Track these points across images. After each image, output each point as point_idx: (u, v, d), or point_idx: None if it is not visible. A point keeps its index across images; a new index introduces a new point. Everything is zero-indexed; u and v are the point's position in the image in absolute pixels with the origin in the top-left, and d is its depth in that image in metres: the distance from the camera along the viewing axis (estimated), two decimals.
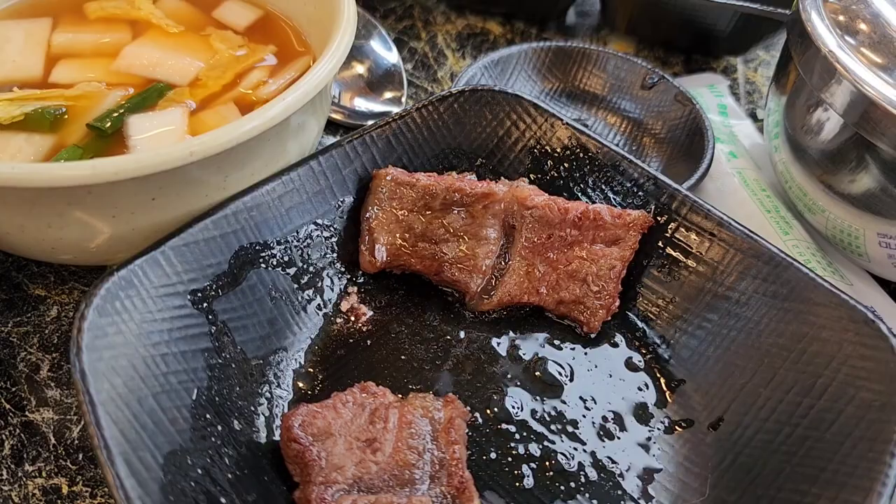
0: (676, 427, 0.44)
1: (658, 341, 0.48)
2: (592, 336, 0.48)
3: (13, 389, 0.46)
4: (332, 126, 0.64)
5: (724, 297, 0.46)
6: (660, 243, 0.49)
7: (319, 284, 0.48)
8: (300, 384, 0.45)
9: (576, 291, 0.47)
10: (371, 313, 0.49)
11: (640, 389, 0.46)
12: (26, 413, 0.45)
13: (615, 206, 0.49)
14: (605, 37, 0.83)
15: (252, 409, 0.42)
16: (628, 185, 0.50)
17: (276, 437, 0.42)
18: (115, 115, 0.50)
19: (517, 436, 0.43)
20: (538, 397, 0.45)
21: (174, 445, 0.37)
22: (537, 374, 0.46)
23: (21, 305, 0.51)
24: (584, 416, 0.44)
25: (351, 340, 0.47)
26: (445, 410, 0.42)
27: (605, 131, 0.68)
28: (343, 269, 0.49)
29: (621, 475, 0.42)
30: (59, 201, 0.41)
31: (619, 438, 0.44)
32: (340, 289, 0.49)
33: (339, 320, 0.48)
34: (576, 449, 0.43)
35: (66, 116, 0.50)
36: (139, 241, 0.44)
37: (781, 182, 0.61)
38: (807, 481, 0.38)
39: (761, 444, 0.41)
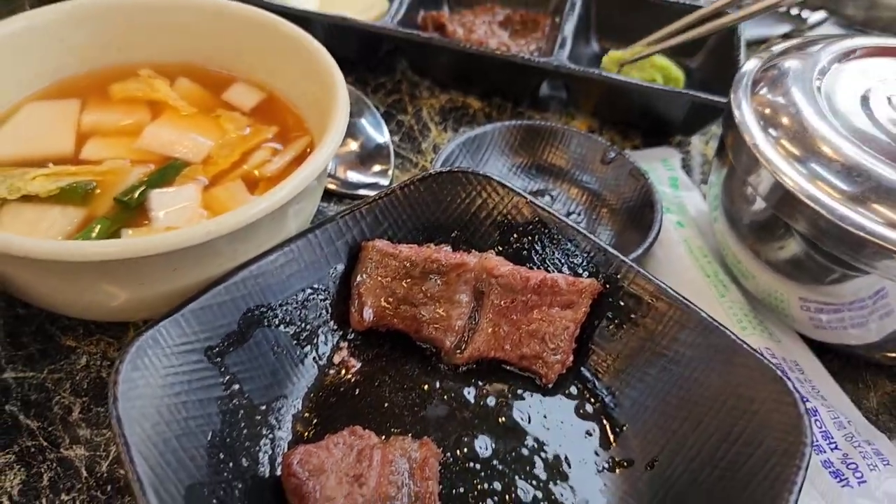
0: (618, 466, 0.51)
1: (605, 392, 0.55)
2: (549, 386, 0.55)
3: (49, 429, 0.53)
4: (327, 194, 0.70)
5: (661, 354, 0.53)
6: (608, 308, 0.56)
7: (315, 340, 0.55)
8: (298, 427, 0.51)
9: (535, 348, 0.55)
10: (359, 365, 0.55)
11: (588, 433, 0.53)
12: (61, 450, 0.52)
13: (570, 275, 0.56)
14: (572, 112, 0.90)
15: (257, 448, 0.48)
16: (582, 256, 0.57)
17: (278, 473, 0.48)
18: (139, 190, 0.56)
19: (482, 473, 0.50)
20: (501, 440, 0.52)
21: (193, 479, 0.43)
22: (501, 419, 0.53)
23: (54, 355, 0.57)
24: (539, 457, 0.51)
25: (342, 389, 0.54)
26: (421, 451, 0.48)
27: (567, 202, 0.75)
28: (335, 327, 0.56)
29: None
30: (93, 272, 0.47)
31: (570, 475, 0.50)
32: (333, 344, 0.56)
33: (331, 371, 0.55)
34: (532, 485, 0.50)
35: (96, 190, 0.56)
36: (161, 303, 0.50)
37: (720, 249, 0.68)
38: None
39: (688, 481, 0.48)
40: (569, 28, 0.87)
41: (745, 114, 0.61)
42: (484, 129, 0.75)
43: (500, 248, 0.60)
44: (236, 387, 0.49)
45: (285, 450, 0.50)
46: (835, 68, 0.63)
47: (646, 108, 0.83)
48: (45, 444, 0.52)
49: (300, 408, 0.52)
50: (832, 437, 0.55)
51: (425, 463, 0.48)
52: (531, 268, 0.57)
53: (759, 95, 0.63)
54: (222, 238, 0.48)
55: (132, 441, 0.41)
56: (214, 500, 0.44)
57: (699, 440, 0.49)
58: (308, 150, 0.62)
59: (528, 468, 0.51)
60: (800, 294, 0.60)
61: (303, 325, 0.54)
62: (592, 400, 0.55)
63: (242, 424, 0.49)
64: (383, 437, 0.50)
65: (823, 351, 0.64)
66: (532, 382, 0.56)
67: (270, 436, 0.50)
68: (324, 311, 0.55)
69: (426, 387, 0.55)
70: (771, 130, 0.59)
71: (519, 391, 0.55)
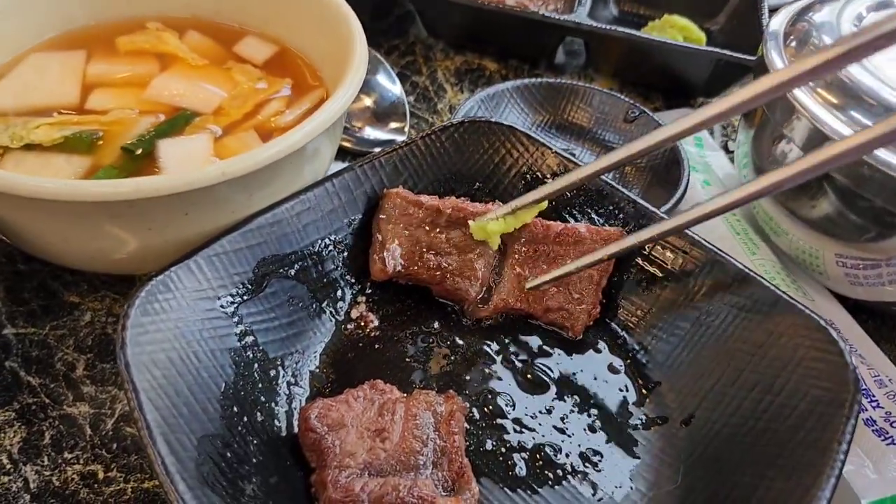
0: (653, 424, 0.49)
1: (637, 347, 0.53)
2: (578, 340, 0.53)
3: (52, 386, 0.50)
4: (342, 152, 0.68)
5: (695, 307, 0.51)
6: (638, 260, 0.54)
7: (332, 294, 0.52)
8: (315, 383, 0.49)
9: (560, 299, 0.52)
10: (378, 321, 0.53)
11: (620, 390, 0.51)
12: (64, 407, 0.49)
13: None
14: (591, 74, 0.88)
15: (273, 403, 0.46)
16: (610, 208, 0.55)
17: (295, 430, 0.45)
18: (147, 139, 0.54)
19: (510, 430, 0.48)
20: (529, 396, 0.50)
21: (206, 431, 0.41)
22: (528, 375, 0.51)
23: (57, 311, 0.55)
24: (570, 413, 0.49)
25: (360, 344, 0.52)
26: (447, 405, 0.46)
27: (590, 160, 0.73)
28: (353, 281, 0.54)
29: (603, 464, 0.47)
30: (102, 215, 0.45)
31: (601, 432, 0.48)
32: (351, 298, 0.53)
33: (349, 326, 0.52)
34: (563, 442, 0.47)
35: (102, 140, 0.54)
36: (171, 252, 0.47)
37: (750, 207, 0.66)
38: (766, 467, 0.42)
39: (727, 436, 0.46)
40: None
41: (779, 65, 0.59)
42: (504, 86, 0.73)
43: None
44: (250, 338, 0.47)
45: (302, 405, 0.47)
46: (871, 16, 0.61)
47: (668, 69, 0.81)
48: (46, 401, 0.50)
49: (317, 363, 0.50)
50: (873, 396, 0.53)
51: (451, 416, 0.45)
52: (557, 220, 0.55)
53: (791, 47, 0.61)
54: (236, 181, 0.46)
55: (141, 387, 0.39)
56: (228, 454, 0.41)
57: (739, 394, 0.47)
58: (323, 101, 0.60)
59: (557, 426, 0.48)
60: (836, 250, 0.58)
61: (319, 277, 0.52)
62: (623, 356, 0.52)
63: (257, 377, 0.46)
64: (405, 392, 0.47)
65: (857, 311, 0.61)
66: (559, 338, 0.53)
67: (286, 391, 0.48)
68: (341, 264, 0.53)
69: (449, 343, 0.52)
70: None
71: (546, 347, 0.53)
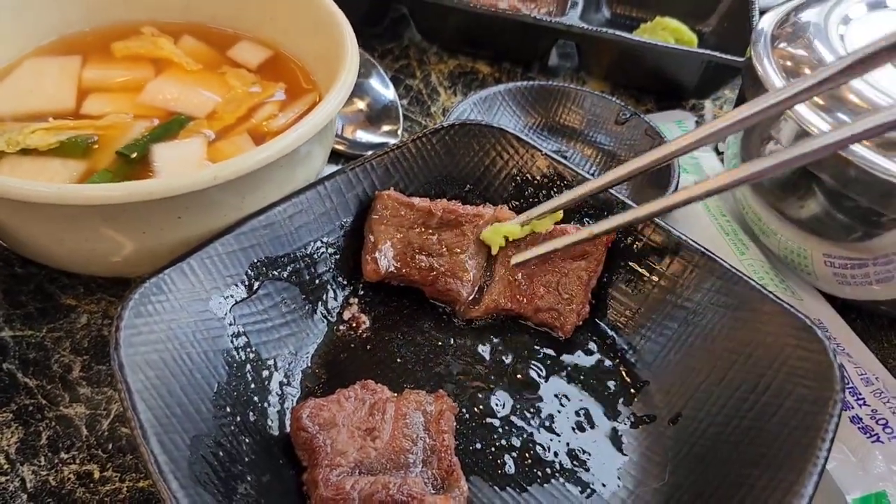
0: (640, 423, 0.49)
1: (625, 347, 0.53)
2: (567, 340, 0.53)
3: (48, 387, 0.51)
4: (335, 156, 0.68)
5: (683, 307, 0.51)
6: (627, 261, 0.54)
7: (324, 296, 0.53)
8: (307, 383, 0.49)
9: (550, 299, 0.53)
10: (370, 322, 0.54)
11: (608, 389, 0.51)
12: (60, 408, 0.50)
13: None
14: (583, 77, 0.89)
15: (265, 403, 0.47)
16: (599, 208, 0.56)
17: (287, 430, 0.46)
18: (141, 143, 0.54)
19: (500, 429, 0.48)
20: (518, 395, 0.50)
21: (199, 430, 0.41)
22: (518, 376, 0.51)
23: (54, 314, 0.55)
24: (559, 412, 0.49)
25: (352, 345, 0.52)
26: (436, 404, 0.47)
27: (581, 162, 0.73)
28: (345, 282, 0.54)
29: (591, 462, 0.47)
30: (96, 218, 0.46)
31: (590, 431, 0.49)
32: (343, 299, 0.54)
33: (341, 327, 0.53)
34: (551, 440, 0.48)
35: (97, 144, 0.54)
36: (165, 254, 0.47)
37: (739, 208, 0.66)
38: (751, 465, 0.43)
39: (713, 435, 0.46)
40: None
41: (767, 67, 0.59)
42: (496, 89, 0.73)
43: (515, 203, 0.58)
44: (243, 339, 0.48)
45: (294, 405, 0.48)
46: (858, 17, 0.62)
47: (660, 71, 0.81)
48: (43, 402, 0.50)
49: (309, 363, 0.51)
50: (860, 393, 0.54)
51: (441, 416, 0.46)
52: None
53: (779, 49, 0.61)
54: (229, 184, 0.46)
55: (134, 388, 0.39)
56: (221, 453, 0.42)
57: (725, 393, 0.47)
58: (316, 104, 0.60)
59: (546, 425, 0.49)
60: (824, 250, 0.58)
61: (311, 278, 0.52)
62: (612, 355, 0.53)
63: (250, 378, 0.47)
64: (396, 392, 0.48)
65: (846, 310, 0.62)
66: (549, 339, 0.54)
67: (279, 391, 0.48)
68: (333, 266, 0.54)
69: (440, 343, 0.53)
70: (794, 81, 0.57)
71: (536, 347, 0.53)
